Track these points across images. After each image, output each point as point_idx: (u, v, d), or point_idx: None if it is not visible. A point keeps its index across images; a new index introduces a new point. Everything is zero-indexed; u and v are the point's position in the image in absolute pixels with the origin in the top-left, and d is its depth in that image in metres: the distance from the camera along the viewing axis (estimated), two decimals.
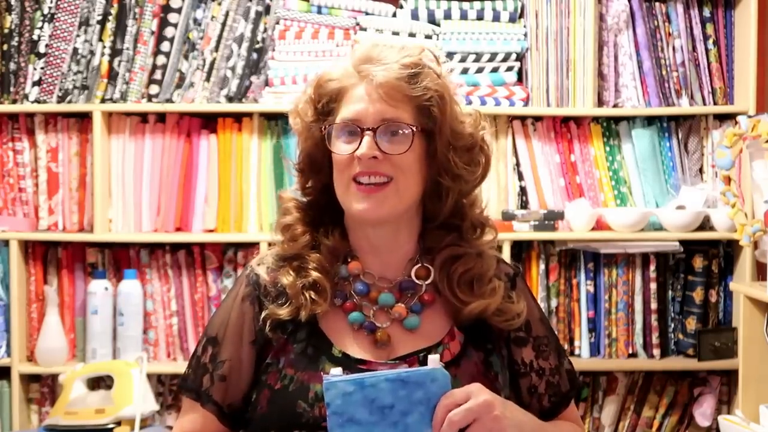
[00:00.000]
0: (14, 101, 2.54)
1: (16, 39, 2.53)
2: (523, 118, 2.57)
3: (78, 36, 2.52)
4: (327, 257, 1.21)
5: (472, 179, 1.22)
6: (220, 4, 2.52)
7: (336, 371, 1.07)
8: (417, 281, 1.22)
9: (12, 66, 2.53)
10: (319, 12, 2.55)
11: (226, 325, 1.22)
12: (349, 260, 1.22)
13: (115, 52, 2.52)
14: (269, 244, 1.30)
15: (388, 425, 1.04)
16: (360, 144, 1.16)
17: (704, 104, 2.57)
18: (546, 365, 1.25)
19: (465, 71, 2.53)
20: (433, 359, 1.06)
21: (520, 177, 2.57)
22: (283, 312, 1.19)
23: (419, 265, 1.23)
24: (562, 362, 1.27)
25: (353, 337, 1.19)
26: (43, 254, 2.57)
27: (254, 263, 1.26)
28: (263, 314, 1.20)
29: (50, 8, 2.50)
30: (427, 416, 1.04)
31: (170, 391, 2.57)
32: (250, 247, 2.52)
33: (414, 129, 1.17)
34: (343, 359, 1.16)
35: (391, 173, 1.16)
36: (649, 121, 2.60)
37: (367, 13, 2.55)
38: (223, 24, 2.51)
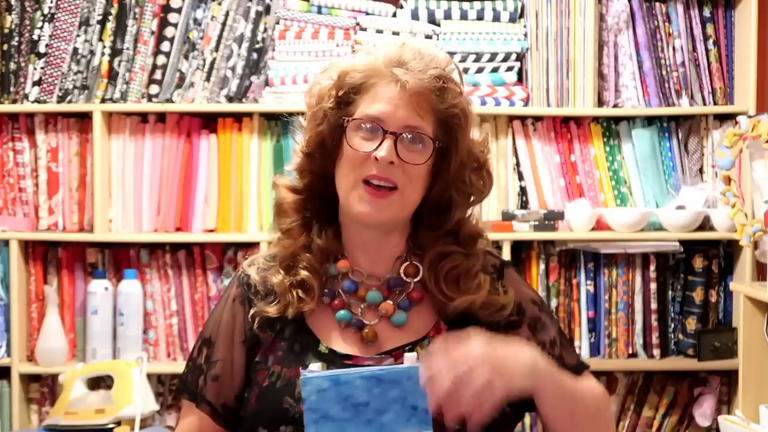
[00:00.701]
0: (14, 101, 2.54)
1: (16, 39, 2.53)
2: (523, 118, 2.57)
3: (78, 36, 2.52)
4: (318, 256, 1.22)
5: (479, 197, 1.25)
6: (220, 4, 2.52)
7: (315, 367, 1.07)
8: (405, 279, 1.23)
9: (12, 66, 2.53)
10: (319, 12, 2.55)
11: (218, 327, 1.24)
12: (339, 258, 1.23)
13: (115, 52, 2.52)
14: (269, 244, 1.31)
15: (362, 422, 1.04)
16: (380, 145, 1.16)
17: (704, 104, 2.57)
18: (545, 338, 1.24)
19: (465, 71, 2.53)
20: (410, 357, 1.07)
21: (520, 177, 2.57)
22: (271, 309, 1.20)
23: (408, 262, 1.24)
24: (564, 340, 1.27)
25: (341, 334, 1.20)
26: (43, 254, 2.57)
27: (245, 264, 1.28)
28: (251, 311, 1.21)
29: (50, 8, 2.50)
30: (403, 415, 1.04)
31: (170, 391, 2.57)
32: (250, 247, 2.52)
33: (435, 144, 1.18)
34: (329, 355, 1.17)
35: (399, 181, 1.17)
36: (649, 121, 2.60)
37: (367, 13, 2.55)
38: (223, 24, 2.52)
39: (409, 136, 1.17)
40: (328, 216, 1.25)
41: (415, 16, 2.54)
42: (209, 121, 2.57)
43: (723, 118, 2.58)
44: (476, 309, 1.21)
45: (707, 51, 2.57)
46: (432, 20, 2.55)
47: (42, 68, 2.51)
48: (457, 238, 1.25)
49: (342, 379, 1.04)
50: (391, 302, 1.22)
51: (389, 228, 1.22)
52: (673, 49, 2.57)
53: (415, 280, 1.23)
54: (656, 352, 2.54)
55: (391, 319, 1.21)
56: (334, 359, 1.16)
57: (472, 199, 1.25)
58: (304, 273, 1.21)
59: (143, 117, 2.56)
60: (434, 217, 1.24)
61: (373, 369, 1.06)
